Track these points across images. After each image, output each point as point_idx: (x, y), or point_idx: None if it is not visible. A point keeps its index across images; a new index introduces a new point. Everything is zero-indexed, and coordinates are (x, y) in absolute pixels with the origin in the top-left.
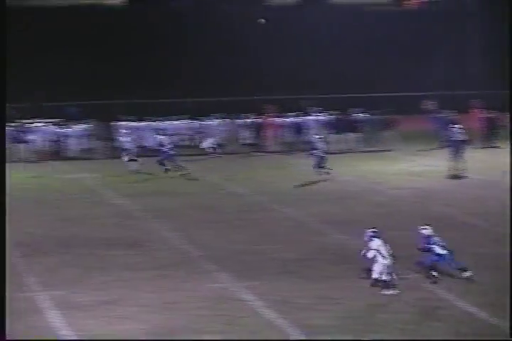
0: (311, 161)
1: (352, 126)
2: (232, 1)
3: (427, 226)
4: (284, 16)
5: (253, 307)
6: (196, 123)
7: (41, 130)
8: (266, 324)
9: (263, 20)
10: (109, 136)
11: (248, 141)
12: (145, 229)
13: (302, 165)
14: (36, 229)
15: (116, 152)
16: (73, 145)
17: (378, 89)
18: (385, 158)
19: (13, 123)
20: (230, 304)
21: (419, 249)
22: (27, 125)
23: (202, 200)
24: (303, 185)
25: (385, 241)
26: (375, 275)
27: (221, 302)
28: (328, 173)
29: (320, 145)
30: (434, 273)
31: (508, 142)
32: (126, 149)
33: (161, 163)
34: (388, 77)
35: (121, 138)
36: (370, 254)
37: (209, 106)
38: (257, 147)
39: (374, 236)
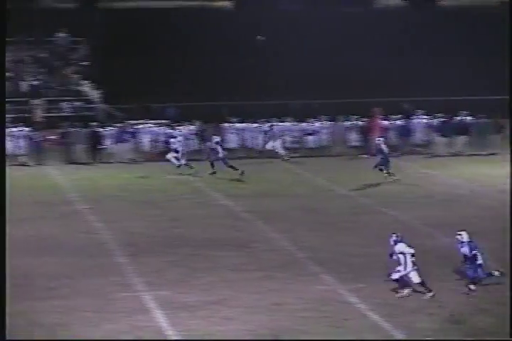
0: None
1: (459, 129)
2: (339, 2)
3: (462, 232)
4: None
5: (358, 309)
6: (302, 125)
7: (148, 131)
8: (370, 326)
9: (261, 37)
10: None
11: (355, 143)
12: (251, 230)
13: (409, 168)
14: (143, 230)
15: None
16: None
17: (482, 92)
18: (492, 162)
19: (120, 124)
20: (335, 306)
21: (465, 258)
22: (135, 126)
23: (308, 202)
24: (410, 188)
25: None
26: (395, 276)
27: (326, 304)
28: (386, 177)
29: (383, 147)
30: (472, 287)
31: None
32: (231, 150)
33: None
34: (493, 79)
35: (226, 139)
36: (395, 257)
37: (315, 108)
38: (363, 149)
39: (397, 241)
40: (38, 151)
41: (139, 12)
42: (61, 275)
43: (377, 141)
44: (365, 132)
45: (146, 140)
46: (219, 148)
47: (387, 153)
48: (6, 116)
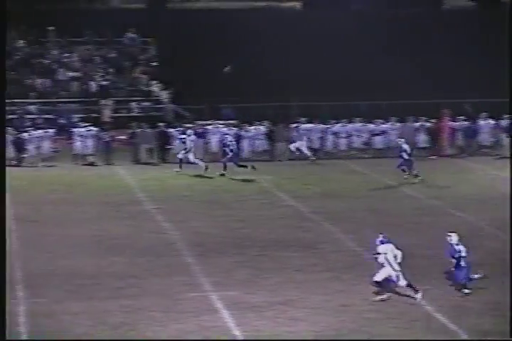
0: (489, 165)
1: None
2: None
3: (451, 234)
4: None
5: (425, 311)
6: (370, 126)
7: (216, 131)
8: (437, 328)
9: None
10: (283, 138)
11: (423, 145)
12: (317, 231)
13: (479, 170)
14: (210, 230)
15: (289, 154)
16: (247, 147)
17: None
18: None
19: (189, 124)
20: (402, 308)
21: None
22: (204, 126)
23: (375, 203)
24: (480, 189)
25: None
26: (377, 278)
27: (392, 305)
28: (406, 178)
29: (405, 147)
30: (467, 291)
31: None
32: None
33: None
34: None
35: (293, 140)
36: (379, 259)
37: (383, 109)
38: (432, 150)
39: (383, 242)
40: (106, 151)
41: (208, 13)
42: (129, 275)
43: (399, 142)
44: (433, 133)
45: (214, 140)
46: (227, 149)
47: (410, 154)
48: (76, 115)
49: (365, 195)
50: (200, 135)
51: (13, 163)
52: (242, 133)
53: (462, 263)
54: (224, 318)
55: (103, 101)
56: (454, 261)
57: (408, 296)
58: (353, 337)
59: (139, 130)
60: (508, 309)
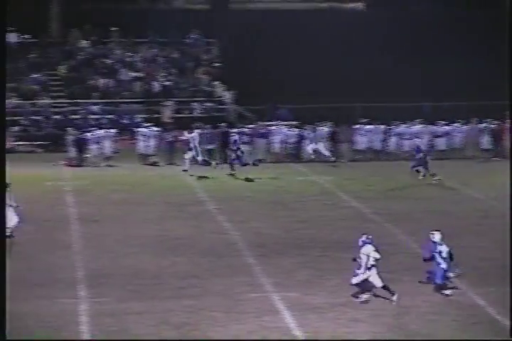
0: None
1: None
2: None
3: (435, 232)
4: None
5: (487, 313)
6: (433, 127)
7: (279, 132)
8: (499, 330)
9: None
10: (345, 139)
11: (487, 147)
12: (379, 233)
13: None
14: (272, 230)
15: (351, 154)
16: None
17: None
18: None
19: (252, 125)
20: (464, 310)
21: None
22: (267, 127)
23: (437, 204)
24: None
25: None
26: (354, 280)
27: (454, 307)
28: (421, 177)
29: (421, 147)
30: (447, 293)
31: None
32: (360, 151)
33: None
34: None
35: (357, 141)
36: (361, 260)
37: (446, 110)
38: (495, 152)
39: (366, 243)
40: (168, 151)
41: (271, 13)
42: (191, 275)
43: (415, 141)
44: (496, 135)
45: (276, 141)
46: (234, 148)
47: (426, 154)
48: (138, 116)
49: (428, 197)
50: (263, 135)
51: (76, 163)
52: (304, 133)
53: (441, 264)
54: (285, 319)
55: (166, 102)
56: (431, 258)
57: (469, 298)
58: (412, 338)
59: (201, 131)
60: None
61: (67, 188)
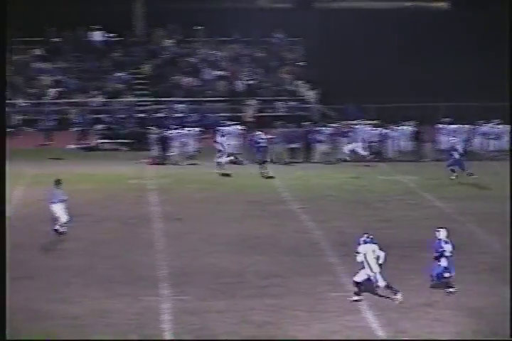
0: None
1: None
2: None
3: (440, 229)
4: None
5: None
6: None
7: (362, 131)
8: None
9: None
10: (429, 138)
11: None
12: (463, 233)
13: None
14: (354, 230)
15: (436, 154)
16: (393, 147)
17: None
18: None
19: (334, 124)
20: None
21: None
22: (350, 126)
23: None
24: None
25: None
26: (358, 278)
27: None
28: (454, 177)
29: (457, 147)
30: (451, 290)
31: None
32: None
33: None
34: None
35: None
36: (358, 258)
37: None
38: None
39: (366, 242)
40: (251, 150)
41: (355, 12)
42: (273, 274)
43: (451, 140)
44: None
45: (359, 140)
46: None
47: (462, 154)
48: (222, 115)
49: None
50: (345, 134)
51: (159, 161)
52: (388, 132)
53: (442, 262)
54: (367, 318)
55: (249, 101)
56: (438, 256)
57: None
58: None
59: (284, 129)
60: None
61: (151, 186)
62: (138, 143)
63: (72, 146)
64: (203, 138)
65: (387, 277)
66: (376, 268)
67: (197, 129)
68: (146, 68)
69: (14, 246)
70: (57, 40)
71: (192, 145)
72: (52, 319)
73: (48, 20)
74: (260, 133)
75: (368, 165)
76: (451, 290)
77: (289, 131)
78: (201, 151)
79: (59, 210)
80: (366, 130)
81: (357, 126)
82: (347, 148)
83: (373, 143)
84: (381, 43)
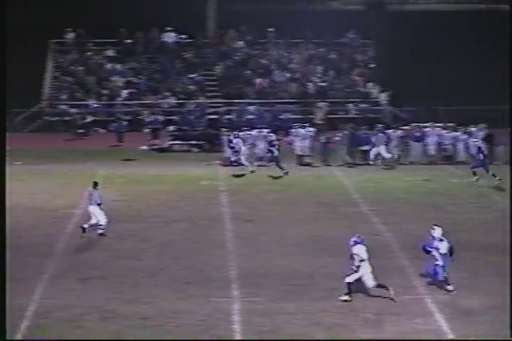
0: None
1: None
2: None
3: (435, 227)
4: None
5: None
6: None
7: (435, 133)
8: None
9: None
10: (501, 141)
11: None
12: None
13: None
14: (425, 233)
15: (504, 156)
16: (464, 150)
17: None
18: None
19: (407, 127)
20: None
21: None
22: (423, 129)
23: None
24: None
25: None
26: (349, 279)
27: None
28: (475, 181)
29: (483, 149)
30: (450, 288)
31: None
32: None
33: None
34: None
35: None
36: (355, 260)
37: None
38: None
39: (357, 242)
40: (322, 152)
41: (427, 14)
42: (343, 276)
43: (476, 142)
44: None
45: (432, 143)
46: (273, 149)
47: (486, 155)
48: (293, 117)
49: None
50: (417, 137)
51: (230, 162)
52: (459, 135)
53: (438, 260)
54: (438, 321)
55: (320, 103)
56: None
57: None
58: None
59: (355, 131)
60: None
61: (222, 188)
62: (210, 144)
63: (144, 147)
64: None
65: (449, 279)
66: (368, 269)
67: (266, 131)
68: (218, 70)
69: (84, 246)
70: (129, 41)
71: (262, 147)
72: (123, 319)
73: (120, 22)
74: (272, 134)
75: (438, 168)
76: (450, 288)
77: (360, 133)
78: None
79: (96, 212)
80: (438, 133)
81: (428, 129)
82: (373, 154)
83: (445, 146)
84: (453, 44)
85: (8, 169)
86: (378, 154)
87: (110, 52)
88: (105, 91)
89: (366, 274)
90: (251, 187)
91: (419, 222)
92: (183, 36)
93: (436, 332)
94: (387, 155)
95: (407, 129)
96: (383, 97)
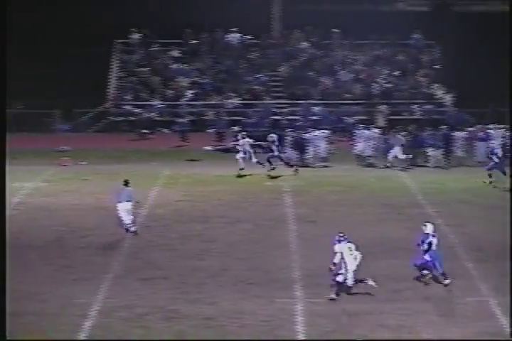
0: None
1: None
2: None
3: (427, 223)
4: None
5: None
6: None
7: (501, 135)
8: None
9: None
10: None
11: None
12: None
13: None
14: (490, 235)
15: None
16: None
17: None
18: None
19: (470, 128)
20: None
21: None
22: (487, 130)
23: None
24: None
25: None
26: (339, 278)
27: None
28: (491, 182)
29: (497, 151)
30: (425, 272)
31: None
32: None
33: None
34: None
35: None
36: (335, 258)
37: None
38: None
39: (340, 240)
40: (386, 153)
41: (489, 15)
42: (406, 277)
43: (490, 144)
44: None
45: (496, 144)
46: (273, 147)
47: (500, 157)
48: (357, 118)
49: None
50: (482, 138)
51: (295, 163)
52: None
53: (427, 255)
54: (502, 325)
55: (380, 106)
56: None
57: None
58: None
59: (420, 132)
60: None
61: (286, 188)
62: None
63: (209, 148)
64: (338, 141)
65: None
66: (351, 267)
67: (327, 131)
68: (283, 70)
69: (148, 246)
70: (194, 41)
71: (325, 148)
72: (186, 319)
73: (185, 22)
74: (273, 135)
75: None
76: (446, 282)
77: (426, 134)
78: (334, 153)
79: (123, 210)
80: (502, 134)
81: (492, 131)
82: (391, 157)
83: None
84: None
85: (72, 169)
86: (395, 156)
87: (175, 53)
88: (170, 92)
89: (350, 272)
90: (314, 188)
91: (484, 224)
92: (248, 37)
93: (501, 335)
94: (402, 157)
95: (471, 130)
96: (448, 99)
